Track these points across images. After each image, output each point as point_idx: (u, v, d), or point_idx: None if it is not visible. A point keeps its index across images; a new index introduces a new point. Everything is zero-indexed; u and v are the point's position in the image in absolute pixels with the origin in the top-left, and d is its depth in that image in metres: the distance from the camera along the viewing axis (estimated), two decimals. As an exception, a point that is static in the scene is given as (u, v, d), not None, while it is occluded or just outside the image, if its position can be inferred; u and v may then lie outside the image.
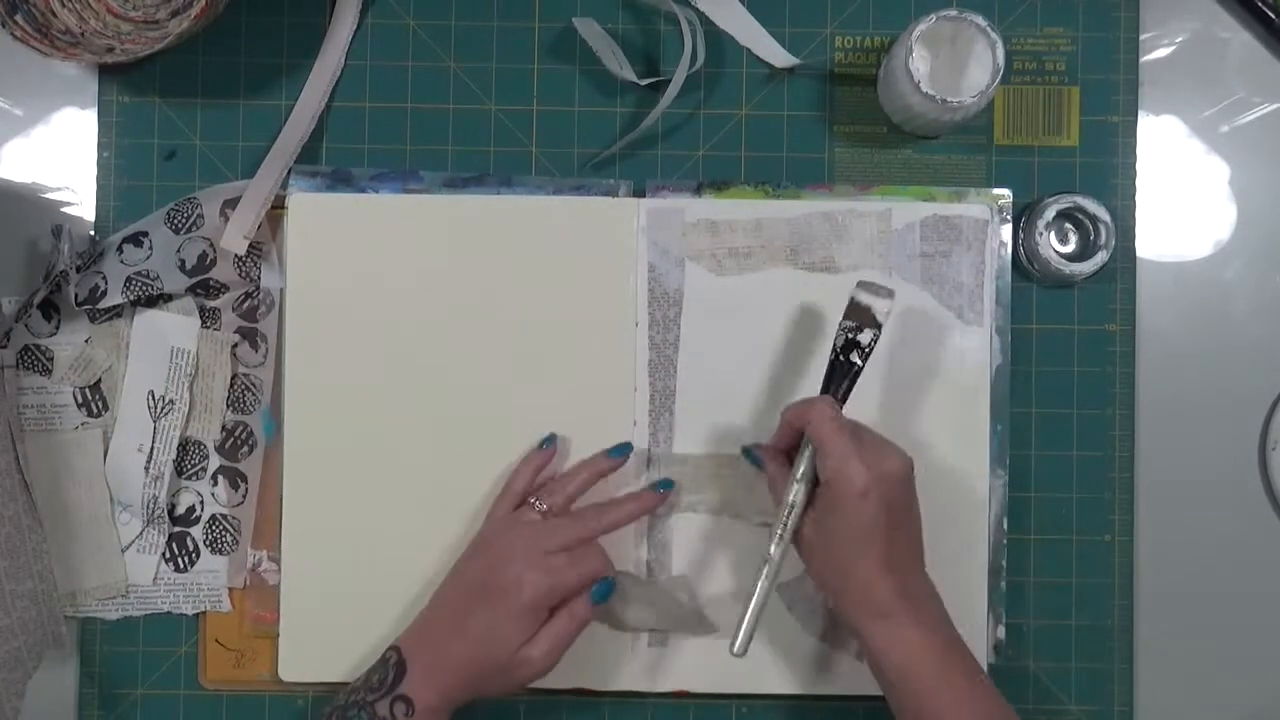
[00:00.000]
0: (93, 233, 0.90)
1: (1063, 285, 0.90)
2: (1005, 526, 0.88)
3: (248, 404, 0.89)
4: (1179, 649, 0.90)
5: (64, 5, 0.88)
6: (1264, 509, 0.90)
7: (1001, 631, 0.88)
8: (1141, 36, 0.91)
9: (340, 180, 0.89)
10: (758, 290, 0.88)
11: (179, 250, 0.88)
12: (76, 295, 0.86)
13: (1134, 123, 0.91)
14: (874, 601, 0.77)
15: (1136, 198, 0.91)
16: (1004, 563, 0.88)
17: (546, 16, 0.91)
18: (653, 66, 0.91)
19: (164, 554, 0.89)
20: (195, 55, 0.90)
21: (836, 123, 0.91)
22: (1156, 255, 0.91)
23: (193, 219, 0.88)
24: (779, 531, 0.79)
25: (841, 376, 0.80)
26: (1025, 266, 0.89)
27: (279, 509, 0.88)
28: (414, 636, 0.81)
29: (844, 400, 0.80)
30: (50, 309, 0.89)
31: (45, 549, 0.87)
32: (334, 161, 0.90)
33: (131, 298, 0.87)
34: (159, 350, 0.88)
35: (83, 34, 0.87)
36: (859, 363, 0.80)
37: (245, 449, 0.89)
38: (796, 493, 0.79)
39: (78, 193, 0.91)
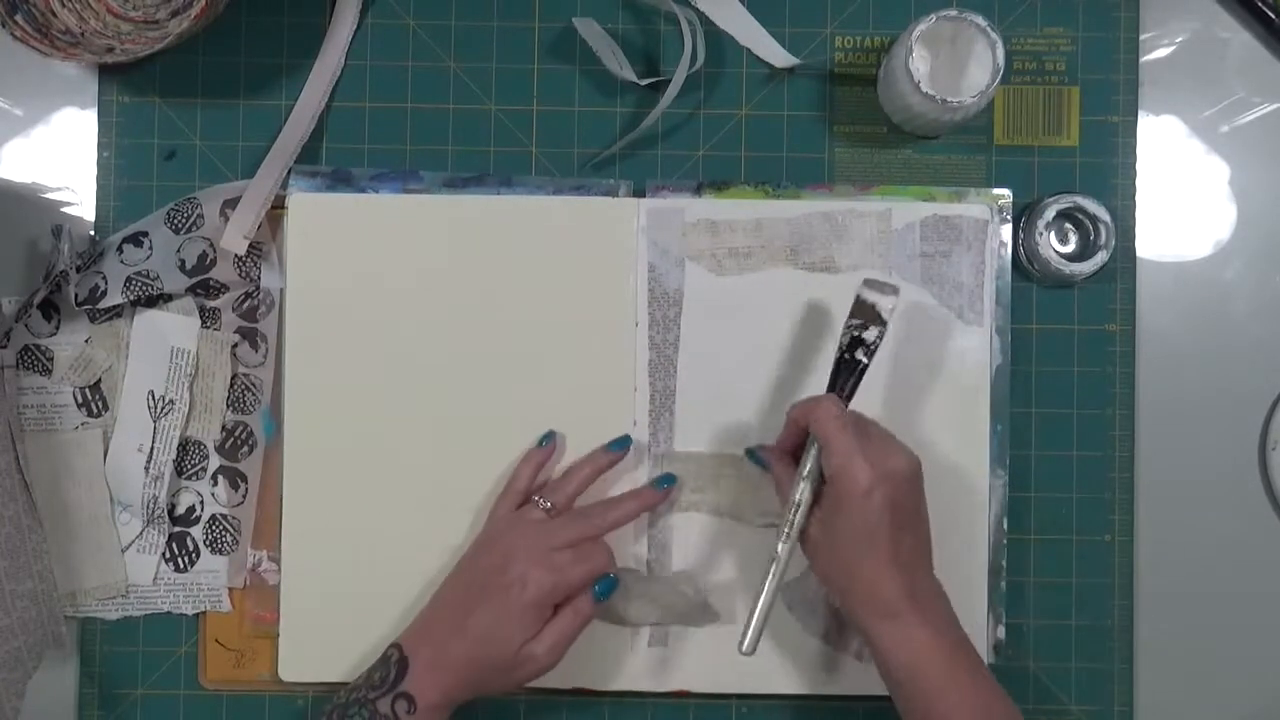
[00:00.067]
0: (93, 233, 0.90)
1: (1063, 285, 0.90)
2: (1005, 526, 0.88)
3: (248, 404, 0.89)
4: (1179, 649, 0.90)
5: (64, 5, 0.88)
6: (1264, 509, 0.90)
7: (1001, 631, 0.88)
8: (1141, 36, 0.91)
9: (340, 180, 0.89)
10: (758, 290, 0.88)
11: (179, 250, 0.88)
12: (76, 295, 0.86)
13: (1134, 123, 0.91)
14: (881, 601, 0.76)
15: (1136, 198, 0.91)
16: (1004, 563, 0.88)
17: (546, 16, 0.91)
18: (653, 66, 0.91)
19: (164, 554, 0.89)
20: (195, 55, 0.90)
21: (836, 123, 0.91)
22: (1156, 255, 0.91)
23: (193, 219, 0.88)
24: (786, 530, 0.79)
25: (847, 374, 0.80)
26: (1025, 266, 0.89)
27: (279, 509, 0.88)
28: (416, 634, 0.81)
29: (849, 398, 0.80)
30: (50, 309, 0.89)
31: (45, 549, 0.87)
32: (334, 161, 0.90)
33: (131, 298, 0.87)
34: (159, 350, 0.88)
35: (83, 34, 0.87)
36: (865, 360, 0.80)
37: (245, 449, 0.89)
38: (802, 491, 0.79)
39: (78, 193, 0.91)
